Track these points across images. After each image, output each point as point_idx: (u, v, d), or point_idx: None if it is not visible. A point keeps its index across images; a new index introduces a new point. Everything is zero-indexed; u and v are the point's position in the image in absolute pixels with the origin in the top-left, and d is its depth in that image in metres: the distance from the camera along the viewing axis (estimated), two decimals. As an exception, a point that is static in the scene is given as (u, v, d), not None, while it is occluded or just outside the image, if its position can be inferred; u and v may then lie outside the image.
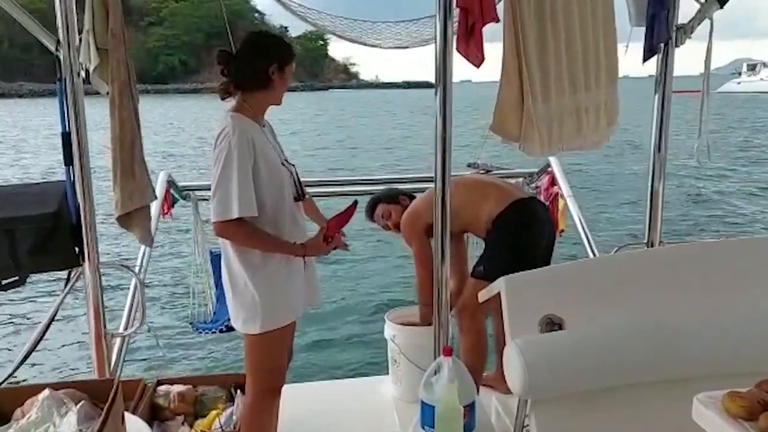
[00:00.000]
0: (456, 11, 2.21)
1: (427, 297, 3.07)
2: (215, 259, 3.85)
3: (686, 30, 3.02)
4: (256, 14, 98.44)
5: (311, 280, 2.45)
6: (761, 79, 61.40)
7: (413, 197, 3.25)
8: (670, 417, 1.71)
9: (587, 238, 3.69)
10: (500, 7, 2.51)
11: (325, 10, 2.89)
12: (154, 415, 2.79)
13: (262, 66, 2.26)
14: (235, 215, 2.14)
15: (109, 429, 1.63)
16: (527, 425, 1.86)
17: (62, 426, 1.56)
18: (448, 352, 1.99)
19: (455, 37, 2.19)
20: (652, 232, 3.16)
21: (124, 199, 2.49)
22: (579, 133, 2.92)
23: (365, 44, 3.09)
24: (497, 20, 2.38)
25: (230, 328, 3.73)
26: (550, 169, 4.10)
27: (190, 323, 4.11)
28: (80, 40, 2.56)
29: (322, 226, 2.39)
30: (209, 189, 3.99)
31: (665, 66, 3.04)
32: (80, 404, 1.70)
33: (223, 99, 2.31)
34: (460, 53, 2.31)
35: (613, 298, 1.96)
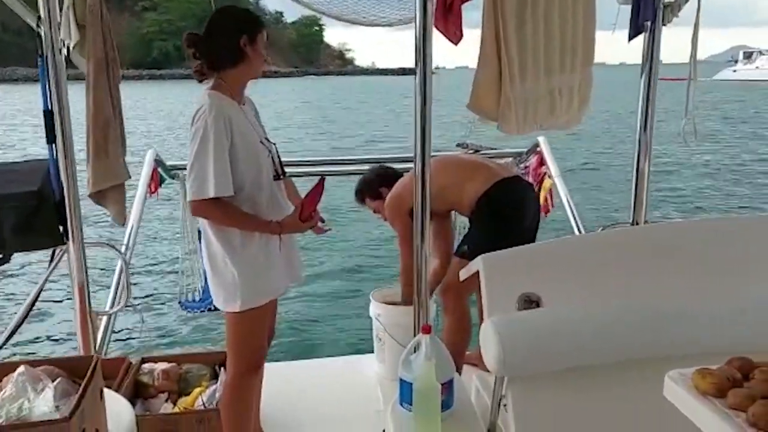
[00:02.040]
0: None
1: (412, 279, 3.09)
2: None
3: (673, 8, 3.00)
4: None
5: (291, 257, 2.45)
6: (757, 67, 61.33)
7: (398, 177, 3.24)
8: (645, 395, 1.72)
9: (575, 218, 3.71)
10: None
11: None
12: (137, 392, 2.80)
13: (232, 41, 2.23)
14: (210, 194, 2.13)
15: (86, 405, 1.63)
16: (505, 403, 1.87)
17: (37, 401, 1.56)
18: (427, 329, 1.99)
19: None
20: (638, 211, 3.17)
21: (97, 178, 2.48)
22: (552, 114, 2.94)
23: (361, 23, 3.06)
24: None
25: (216, 308, 3.77)
26: (539, 149, 4.10)
27: (179, 302, 4.13)
28: (62, 16, 2.53)
29: (296, 205, 2.39)
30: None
31: (652, 45, 3.02)
32: (57, 381, 1.70)
33: (200, 81, 2.29)
34: (438, 29, 2.30)
35: (592, 276, 1.97)
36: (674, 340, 1.81)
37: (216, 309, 3.74)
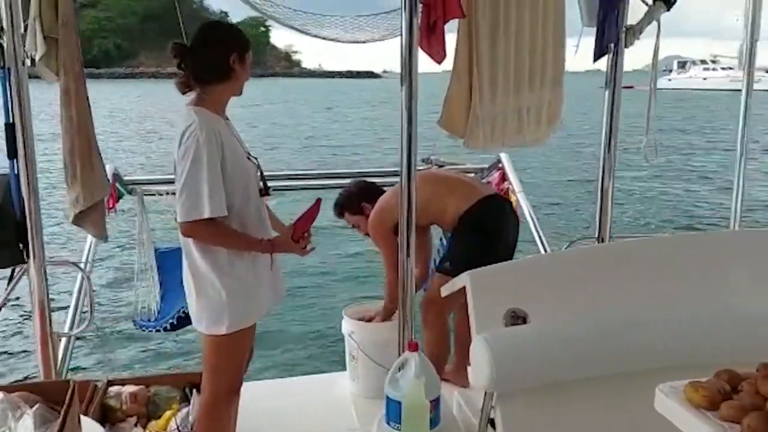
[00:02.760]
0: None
1: (396, 296, 3.10)
2: (161, 256, 3.77)
3: (635, 31, 3.11)
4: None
5: (276, 275, 2.42)
6: (690, 76, 63.79)
7: (379, 194, 3.22)
8: (631, 407, 1.76)
9: (538, 233, 3.77)
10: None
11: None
12: (105, 416, 2.70)
13: (222, 57, 2.20)
14: (205, 215, 2.09)
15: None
16: (492, 417, 1.88)
17: (19, 429, 1.50)
18: (414, 347, 2.00)
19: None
20: (603, 227, 3.25)
21: (86, 194, 2.41)
22: (519, 132, 3.02)
23: (325, 38, 3.06)
24: (462, 15, 2.39)
25: (174, 327, 3.67)
26: (500, 165, 4.16)
27: (133, 321, 4.01)
28: (26, 27, 2.45)
29: (281, 227, 2.35)
30: (157, 184, 3.92)
31: (615, 65, 3.12)
32: (35, 407, 1.63)
33: (183, 93, 2.24)
34: (422, 49, 2.32)
35: (575, 291, 2.01)
36: (656, 351, 1.86)
37: (173, 328, 3.70)
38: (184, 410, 2.67)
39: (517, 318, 1.93)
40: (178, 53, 2.21)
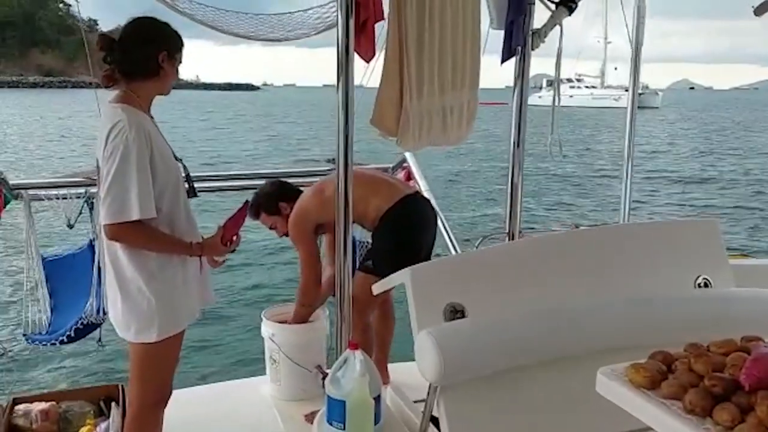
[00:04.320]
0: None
1: (310, 299, 3.06)
2: (48, 264, 3.55)
3: (540, 34, 3.28)
4: (61, 4, 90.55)
5: (206, 279, 2.34)
6: (554, 86, 67.99)
7: (297, 195, 3.18)
8: (570, 390, 1.87)
9: (447, 231, 3.86)
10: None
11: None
12: (13, 438, 2.51)
13: (150, 53, 2.12)
14: (134, 217, 1.99)
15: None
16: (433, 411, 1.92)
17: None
18: (355, 346, 2.00)
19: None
20: (513, 222, 3.39)
21: None
22: (444, 132, 3.08)
23: (241, 36, 2.99)
24: (383, 19, 2.42)
25: (72, 339, 3.46)
26: (405, 164, 4.23)
27: (23, 335, 3.74)
28: None
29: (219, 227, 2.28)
30: (44, 188, 3.68)
31: (522, 68, 3.28)
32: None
33: (107, 87, 2.13)
34: (353, 48, 2.32)
35: (507, 284, 2.08)
36: (587, 337, 1.97)
37: (69, 341, 3.48)
38: (103, 425, 2.54)
39: (455, 312, 1.97)
40: (105, 45, 2.10)
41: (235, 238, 2.28)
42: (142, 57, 2.13)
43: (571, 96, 62.02)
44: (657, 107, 61.44)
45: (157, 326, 2.13)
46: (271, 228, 3.24)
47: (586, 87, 68.12)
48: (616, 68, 70.84)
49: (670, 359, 1.54)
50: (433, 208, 3.14)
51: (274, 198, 3.18)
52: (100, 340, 3.36)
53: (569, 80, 67.56)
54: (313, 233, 3.00)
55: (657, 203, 15.36)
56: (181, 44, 2.22)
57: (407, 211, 2.97)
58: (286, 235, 3.17)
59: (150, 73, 2.14)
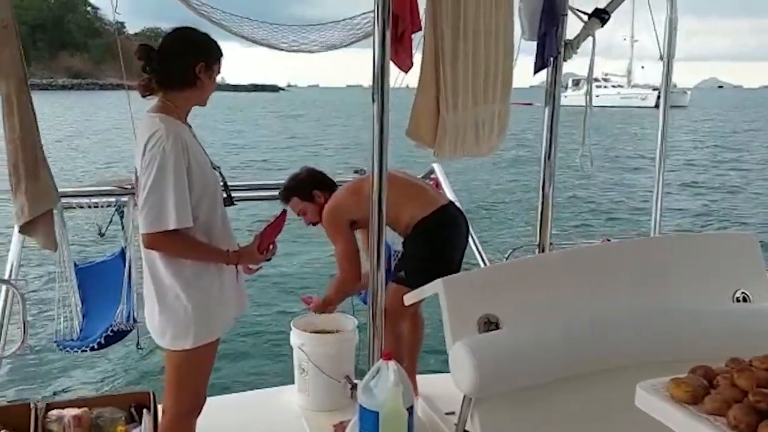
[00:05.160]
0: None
1: (348, 290, 3.12)
2: (80, 272, 3.59)
3: (573, 45, 3.26)
4: (89, 8, 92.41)
5: (241, 287, 2.35)
6: (585, 93, 67.47)
7: (331, 189, 3.16)
8: (607, 404, 1.84)
9: (475, 243, 3.84)
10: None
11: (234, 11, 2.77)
12: (47, 443, 2.53)
13: (188, 63, 2.14)
14: (171, 226, 2.01)
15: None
16: (466, 423, 1.91)
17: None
18: (389, 356, 1.99)
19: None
20: (543, 234, 3.37)
21: (32, 203, 2.27)
22: (477, 143, 3.09)
23: (275, 48, 3.02)
24: (420, 29, 2.43)
25: (102, 345, 3.50)
26: (434, 175, 4.22)
27: (55, 342, 3.79)
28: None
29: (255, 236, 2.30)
30: (75, 197, 3.72)
31: (555, 78, 3.26)
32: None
33: (144, 96, 2.16)
34: (390, 59, 2.34)
35: (542, 295, 2.06)
36: (624, 350, 1.95)
37: (100, 347, 3.51)
38: (135, 431, 2.55)
39: (490, 324, 1.96)
40: (143, 55, 2.13)
41: (271, 246, 2.29)
42: (179, 67, 2.14)
43: (597, 96, 61.61)
44: (685, 106, 60.49)
45: (193, 334, 2.14)
46: (299, 214, 3.19)
47: (613, 86, 67.32)
48: (643, 67, 69.58)
49: (712, 374, 1.51)
50: (465, 220, 3.12)
51: (309, 184, 3.16)
52: (138, 344, 3.37)
53: (596, 80, 67.08)
54: (349, 228, 2.99)
55: (695, 212, 14.86)
56: (221, 55, 2.24)
57: (440, 221, 2.95)
58: (314, 224, 3.17)
59: (187, 84, 2.16)
